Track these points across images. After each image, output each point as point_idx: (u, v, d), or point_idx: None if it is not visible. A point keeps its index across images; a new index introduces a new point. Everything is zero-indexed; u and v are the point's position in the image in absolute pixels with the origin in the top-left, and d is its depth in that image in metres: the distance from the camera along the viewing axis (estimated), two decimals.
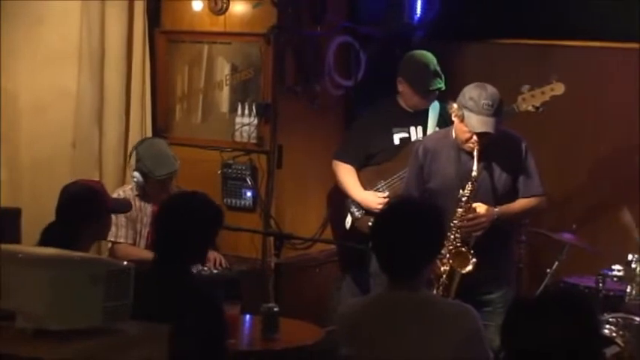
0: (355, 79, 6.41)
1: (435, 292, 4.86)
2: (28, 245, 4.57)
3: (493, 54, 6.62)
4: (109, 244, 5.66)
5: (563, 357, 2.66)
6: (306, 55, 6.13)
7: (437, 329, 3.58)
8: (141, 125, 6.26)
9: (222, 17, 6.21)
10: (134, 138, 6.14)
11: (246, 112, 6.12)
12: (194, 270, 4.48)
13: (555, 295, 3.00)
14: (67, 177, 5.34)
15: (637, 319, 5.41)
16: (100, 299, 2.90)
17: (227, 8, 6.18)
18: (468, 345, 3.58)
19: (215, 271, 5.58)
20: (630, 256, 5.49)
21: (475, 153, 4.91)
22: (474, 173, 4.91)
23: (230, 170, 6.12)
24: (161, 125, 6.35)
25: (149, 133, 6.25)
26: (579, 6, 6.34)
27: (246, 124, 6.10)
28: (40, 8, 6.01)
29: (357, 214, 5.94)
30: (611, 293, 5.57)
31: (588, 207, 6.45)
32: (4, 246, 3.20)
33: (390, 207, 4.12)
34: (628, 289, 5.48)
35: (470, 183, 4.92)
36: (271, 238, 5.60)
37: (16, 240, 5.23)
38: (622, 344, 5.28)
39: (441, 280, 4.92)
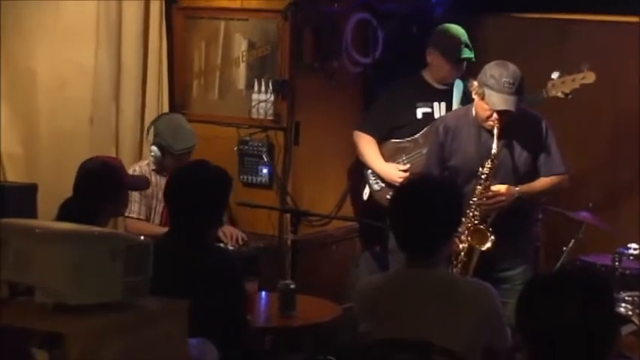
0: (373, 56, 6.38)
1: (453, 269, 4.86)
2: (45, 221, 4.59)
3: (513, 28, 6.57)
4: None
5: (578, 336, 2.65)
6: (324, 31, 6.10)
7: (455, 308, 3.57)
8: (158, 102, 6.25)
9: None
10: (151, 115, 6.13)
11: (263, 88, 6.10)
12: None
13: (571, 274, 2.99)
14: (85, 153, 5.33)
15: None
16: (120, 274, 2.89)
17: None
18: (487, 323, 3.58)
19: (231, 248, 5.58)
20: None
21: (495, 131, 4.90)
22: (494, 151, 4.90)
23: (247, 147, 6.11)
24: (178, 102, 6.34)
25: (166, 110, 6.24)
26: None
27: (262, 100, 6.09)
28: None
29: (375, 186, 5.96)
30: (628, 272, 5.57)
31: (605, 185, 6.42)
32: (22, 221, 3.21)
33: (409, 184, 4.12)
34: None
35: (489, 160, 4.91)
36: (288, 215, 5.60)
37: (33, 215, 5.24)
38: (638, 322, 5.29)
39: (460, 257, 4.92)
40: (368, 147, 5.92)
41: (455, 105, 5.78)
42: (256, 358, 4.15)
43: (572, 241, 5.89)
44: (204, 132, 5.99)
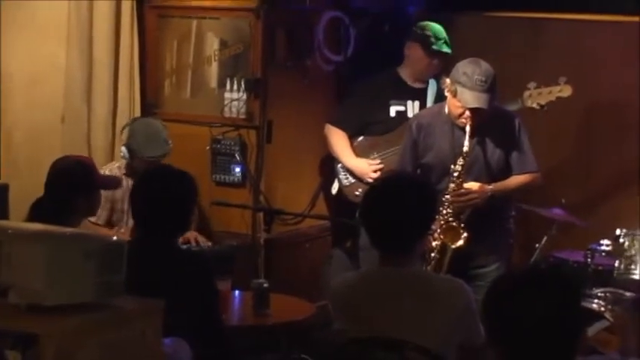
0: (345, 54, 6.39)
1: (427, 267, 4.87)
2: (16, 220, 4.57)
3: (487, 27, 6.59)
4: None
5: (545, 333, 2.65)
6: (296, 30, 6.11)
7: (429, 306, 3.57)
8: (130, 101, 6.22)
9: None
10: (123, 114, 6.11)
11: (235, 87, 6.09)
12: None
13: (537, 271, 2.99)
14: (57, 152, 5.31)
15: (626, 293, 5.45)
16: (94, 274, 2.88)
17: None
18: (461, 321, 3.58)
19: (194, 248, 5.51)
20: (618, 231, 5.52)
21: (467, 128, 4.92)
22: (465, 148, 4.92)
23: (219, 146, 6.09)
24: (150, 101, 6.31)
25: (138, 109, 6.21)
26: None
27: (235, 99, 6.07)
28: None
29: (345, 181, 5.96)
30: (600, 268, 5.59)
31: (578, 182, 6.45)
32: None
33: (382, 182, 4.12)
34: (616, 264, 5.51)
35: (461, 157, 4.93)
36: (261, 214, 5.59)
37: (4, 215, 5.21)
38: (611, 319, 5.31)
39: (433, 254, 4.93)
40: (339, 141, 5.92)
41: (429, 104, 5.79)
42: (230, 356, 4.14)
43: (545, 238, 5.90)
44: (177, 131, 5.96)
